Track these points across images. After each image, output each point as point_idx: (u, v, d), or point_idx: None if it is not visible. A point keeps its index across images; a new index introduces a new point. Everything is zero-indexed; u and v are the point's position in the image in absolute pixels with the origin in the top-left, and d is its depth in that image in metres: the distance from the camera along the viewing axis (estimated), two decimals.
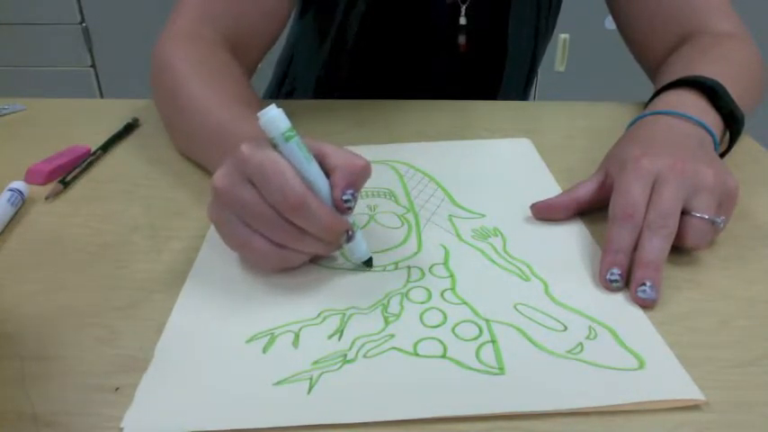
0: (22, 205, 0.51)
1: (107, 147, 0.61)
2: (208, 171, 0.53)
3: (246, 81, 0.58)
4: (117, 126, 0.64)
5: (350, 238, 0.41)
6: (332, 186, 0.40)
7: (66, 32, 1.93)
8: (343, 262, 0.43)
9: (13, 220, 0.49)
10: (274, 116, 0.38)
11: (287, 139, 0.38)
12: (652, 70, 0.69)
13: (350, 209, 0.40)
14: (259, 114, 0.38)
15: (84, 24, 1.93)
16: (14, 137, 0.65)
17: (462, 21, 0.73)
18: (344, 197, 0.39)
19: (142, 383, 0.34)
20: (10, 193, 0.50)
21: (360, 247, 0.42)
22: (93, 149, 0.60)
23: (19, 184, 0.51)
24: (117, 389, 0.33)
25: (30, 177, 0.55)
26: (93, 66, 1.99)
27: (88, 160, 0.58)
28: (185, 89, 0.54)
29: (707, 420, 0.32)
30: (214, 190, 0.40)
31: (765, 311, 0.39)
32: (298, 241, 0.39)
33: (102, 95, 2.02)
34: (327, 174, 0.40)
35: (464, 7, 0.72)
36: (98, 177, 0.56)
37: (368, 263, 0.43)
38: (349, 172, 0.40)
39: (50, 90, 1.97)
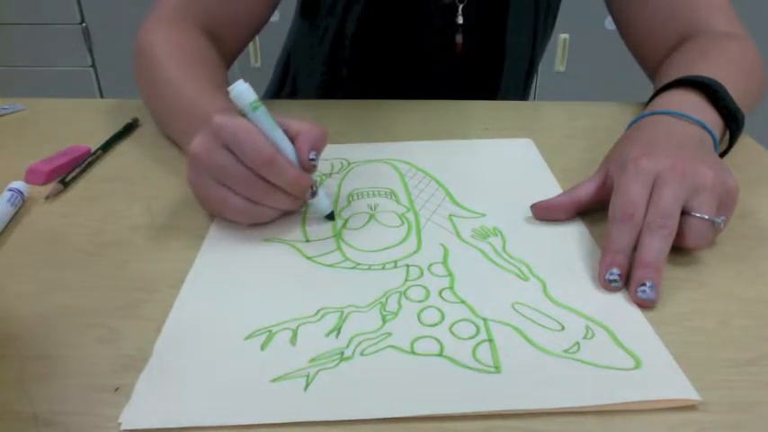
0: (22, 205, 0.51)
1: (107, 147, 0.61)
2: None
3: (220, 64, 0.62)
4: (117, 126, 0.64)
5: (314, 194, 0.46)
6: (297, 148, 0.45)
7: (66, 32, 1.93)
8: (342, 260, 0.44)
9: (13, 220, 0.49)
10: (243, 89, 0.43)
11: (254, 109, 0.43)
12: (651, 70, 0.69)
13: (314, 167, 0.46)
14: (229, 88, 0.43)
15: (84, 24, 1.93)
16: (14, 137, 0.65)
17: (459, 20, 0.73)
18: (310, 156, 0.45)
19: (140, 379, 0.34)
20: (10, 193, 0.50)
21: (323, 201, 0.48)
22: (94, 149, 0.60)
23: (19, 184, 0.51)
24: (117, 389, 0.33)
25: (30, 177, 0.55)
26: (93, 66, 1.99)
27: (88, 160, 0.58)
28: (162, 69, 0.59)
29: (707, 420, 0.32)
30: (193, 157, 0.44)
31: (765, 311, 0.39)
32: (269, 196, 0.45)
33: (102, 95, 2.02)
34: (291, 139, 0.45)
35: (461, 7, 0.72)
36: (98, 177, 0.56)
37: (330, 216, 0.48)
38: (312, 136, 0.45)
39: (50, 90, 1.97)
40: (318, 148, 0.46)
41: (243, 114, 0.44)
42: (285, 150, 0.45)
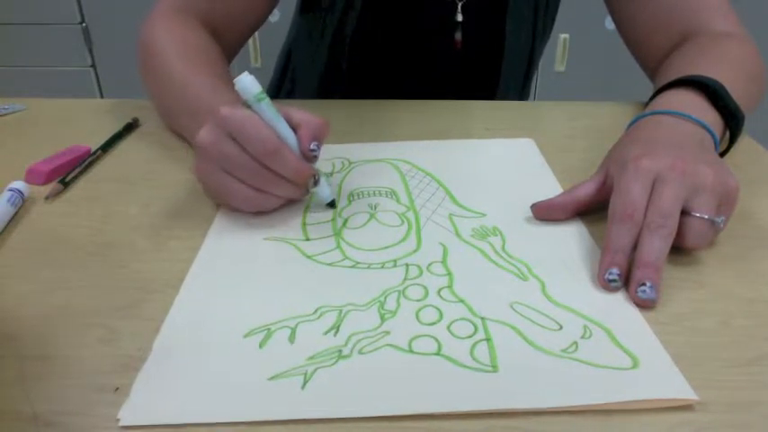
0: (22, 205, 0.51)
1: (107, 147, 0.61)
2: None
3: (222, 57, 0.64)
4: (117, 126, 0.64)
5: (316, 183, 0.47)
6: (299, 139, 0.46)
7: (66, 32, 1.93)
8: (341, 259, 0.44)
9: (13, 220, 0.49)
10: (248, 81, 0.45)
11: (259, 100, 0.45)
12: (651, 70, 0.69)
13: (315, 157, 0.47)
14: (235, 80, 0.45)
15: (84, 24, 1.93)
16: (14, 137, 0.65)
17: (459, 17, 0.73)
18: (311, 147, 0.46)
19: (139, 376, 0.34)
20: (10, 193, 0.50)
21: (324, 190, 0.49)
22: (93, 149, 0.60)
23: (19, 184, 0.51)
24: (117, 389, 0.33)
25: (30, 177, 0.55)
26: (93, 66, 1.99)
27: (88, 160, 0.58)
28: (167, 64, 0.60)
29: (706, 420, 0.32)
30: (199, 147, 0.46)
31: (765, 311, 0.39)
32: (273, 184, 0.46)
33: (102, 95, 2.02)
34: (293, 129, 0.47)
35: (460, 4, 0.72)
36: (98, 177, 0.57)
37: (331, 204, 0.50)
38: (313, 127, 0.47)
39: (50, 90, 1.97)
40: (319, 139, 0.47)
41: (247, 106, 0.45)
42: (288, 140, 0.46)
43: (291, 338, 0.37)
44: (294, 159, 0.45)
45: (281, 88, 0.87)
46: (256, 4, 0.69)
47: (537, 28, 0.78)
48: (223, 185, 0.46)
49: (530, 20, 0.77)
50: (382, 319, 0.38)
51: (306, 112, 0.47)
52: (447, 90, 0.76)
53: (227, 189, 0.46)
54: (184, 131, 0.59)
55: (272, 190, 0.47)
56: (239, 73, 0.46)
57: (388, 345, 0.36)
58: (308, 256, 0.44)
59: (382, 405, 0.32)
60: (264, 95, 0.45)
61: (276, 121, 0.46)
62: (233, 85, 0.45)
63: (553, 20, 0.82)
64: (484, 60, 0.77)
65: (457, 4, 0.73)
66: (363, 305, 0.39)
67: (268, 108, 0.45)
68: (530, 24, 0.77)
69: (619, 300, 0.40)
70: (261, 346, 0.36)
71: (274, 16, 1.79)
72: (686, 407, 0.32)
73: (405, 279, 0.42)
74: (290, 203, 0.50)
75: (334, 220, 0.49)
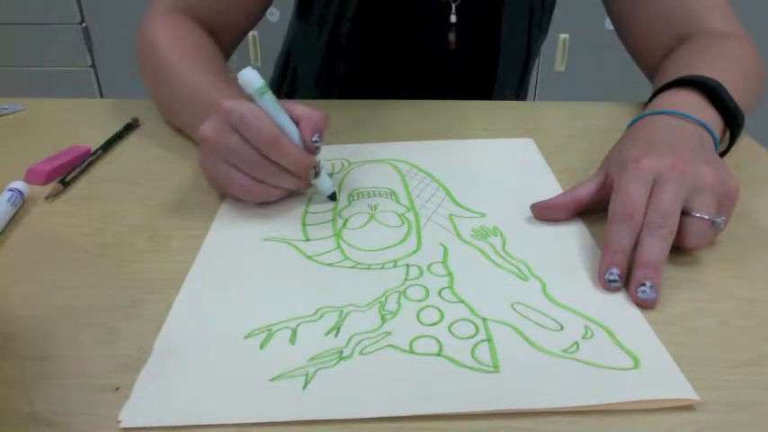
0: (22, 205, 0.51)
1: (107, 147, 0.61)
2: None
3: (219, 55, 0.64)
4: (117, 126, 0.64)
5: (317, 174, 0.49)
6: (301, 131, 0.48)
7: (66, 32, 1.93)
8: (341, 259, 0.44)
9: (13, 220, 0.49)
10: (251, 75, 0.46)
11: (261, 94, 0.46)
12: (650, 71, 0.69)
13: (317, 148, 0.48)
14: (239, 74, 0.46)
15: (84, 24, 1.93)
16: (14, 137, 0.65)
17: (453, 19, 0.73)
18: (314, 138, 0.47)
19: (140, 377, 0.34)
20: (10, 193, 0.50)
21: (325, 181, 0.50)
22: (94, 149, 0.60)
23: (19, 184, 0.51)
24: (117, 389, 0.33)
25: (30, 177, 0.55)
26: (93, 66, 1.99)
27: (88, 160, 0.58)
28: (167, 61, 0.61)
29: (706, 420, 0.32)
30: (203, 140, 0.47)
31: (765, 311, 0.39)
32: (274, 175, 0.47)
33: (102, 95, 2.02)
34: (295, 123, 0.48)
35: (455, 5, 0.72)
36: (98, 177, 0.57)
37: (332, 196, 0.51)
38: (314, 120, 0.48)
39: (50, 90, 1.97)
40: (321, 131, 0.48)
41: (251, 99, 0.47)
42: (290, 133, 0.47)
43: (292, 339, 0.37)
44: (294, 150, 0.46)
45: (281, 89, 0.87)
46: (251, 3, 0.70)
47: (533, 28, 0.78)
48: (226, 176, 0.47)
49: (525, 20, 0.77)
50: (383, 319, 0.38)
51: (307, 107, 0.49)
52: (443, 90, 0.77)
53: (230, 180, 0.47)
54: (185, 127, 0.61)
55: (272, 181, 0.48)
56: (240, 69, 0.46)
57: (389, 345, 0.36)
58: (309, 257, 0.44)
59: (383, 406, 0.32)
60: (267, 89, 0.47)
61: (278, 113, 0.47)
62: (230, 80, 0.46)
63: (549, 19, 0.81)
64: (479, 61, 0.77)
65: (451, 6, 0.73)
66: (364, 306, 0.39)
67: (270, 101, 0.47)
68: (525, 25, 0.77)
69: (619, 300, 0.40)
70: (262, 346, 0.36)
71: (274, 16, 1.79)
72: (687, 407, 0.32)
73: (405, 279, 0.42)
74: (291, 200, 0.50)
75: (334, 220, 0.49)
